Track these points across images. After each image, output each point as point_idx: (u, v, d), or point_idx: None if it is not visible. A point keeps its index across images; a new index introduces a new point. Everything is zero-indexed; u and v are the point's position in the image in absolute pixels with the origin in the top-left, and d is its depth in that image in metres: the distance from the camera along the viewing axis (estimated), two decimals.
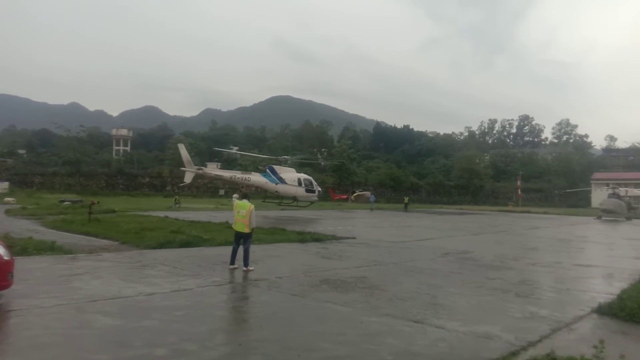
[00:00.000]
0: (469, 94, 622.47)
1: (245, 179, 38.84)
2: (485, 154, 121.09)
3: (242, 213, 11.58)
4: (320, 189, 42.56)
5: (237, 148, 59.32)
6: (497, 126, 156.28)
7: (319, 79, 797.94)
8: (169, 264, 11.95)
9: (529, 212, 60.38)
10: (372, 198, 57.09)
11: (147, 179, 74.45)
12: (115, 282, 9.57)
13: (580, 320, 8.09)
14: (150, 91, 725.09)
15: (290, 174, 38.86)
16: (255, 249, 12.85)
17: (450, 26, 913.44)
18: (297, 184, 38.43)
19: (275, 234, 19.02)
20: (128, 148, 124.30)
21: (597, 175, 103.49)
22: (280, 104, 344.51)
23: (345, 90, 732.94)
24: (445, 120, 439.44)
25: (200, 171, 37.97)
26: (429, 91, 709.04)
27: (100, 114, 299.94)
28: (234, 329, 7.41)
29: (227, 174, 40.14)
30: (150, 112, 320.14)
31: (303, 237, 18.35)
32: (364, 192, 71.33)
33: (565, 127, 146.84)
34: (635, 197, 74.36)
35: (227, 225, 20.34)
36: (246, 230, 11.54)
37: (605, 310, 8.42)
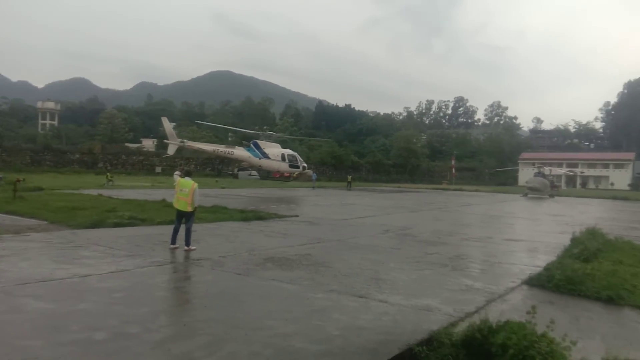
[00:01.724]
0: (408, 74, 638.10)
1: (229, 153, 38.41)
2: (423, 134, 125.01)
3: (185, 191, 11.23)
4: (305, 164, 42.53)
5: (174, 124, 57.36)
6: (434, 107, 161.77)
7: (261, 56, 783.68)
8: (104, 244, 11.43)
9: (461, 190, 63.32)
10: (314, 176, 57.37)
11: (77, 156, 70.58)
12: (46, 264, 9.03)
13: (512, 291, 8.60)
14: (79, 62, 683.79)
15: (274, 149, 38.74)
16: (197, 228, 12.56)
17: (391, 7, 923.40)
18: (280, 159, 38.38)
19: (217, 213, 18.66)
20: (55, 122, 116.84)
21: (524, 155, 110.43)
22: (220, 80, 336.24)
23: (287, 68, 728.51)
24: (386, 100, 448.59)
25: (183, 144, 36.97)
26: (370, 71, 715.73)
27: (24, 85, 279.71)
28: (177, 310, 7.20)
29: (209, 147, 39.28)
30: (79, 84, 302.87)
31: (246, 216, 18.11)
32: (306, 170, 71.39)
33: (496, 109, 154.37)
34: (558, 176, 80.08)
35: (165, 204, 19.77)
36: (189, 208, 11.22)
37: (534, 282, 9.02)
